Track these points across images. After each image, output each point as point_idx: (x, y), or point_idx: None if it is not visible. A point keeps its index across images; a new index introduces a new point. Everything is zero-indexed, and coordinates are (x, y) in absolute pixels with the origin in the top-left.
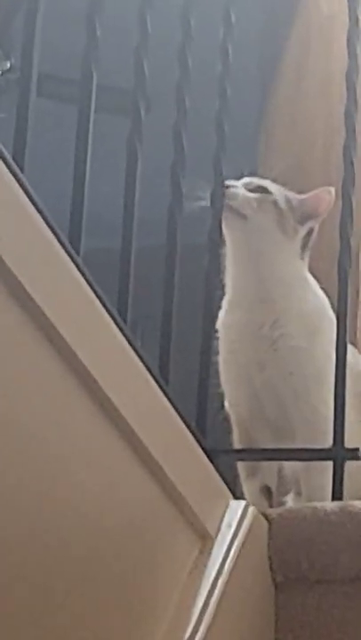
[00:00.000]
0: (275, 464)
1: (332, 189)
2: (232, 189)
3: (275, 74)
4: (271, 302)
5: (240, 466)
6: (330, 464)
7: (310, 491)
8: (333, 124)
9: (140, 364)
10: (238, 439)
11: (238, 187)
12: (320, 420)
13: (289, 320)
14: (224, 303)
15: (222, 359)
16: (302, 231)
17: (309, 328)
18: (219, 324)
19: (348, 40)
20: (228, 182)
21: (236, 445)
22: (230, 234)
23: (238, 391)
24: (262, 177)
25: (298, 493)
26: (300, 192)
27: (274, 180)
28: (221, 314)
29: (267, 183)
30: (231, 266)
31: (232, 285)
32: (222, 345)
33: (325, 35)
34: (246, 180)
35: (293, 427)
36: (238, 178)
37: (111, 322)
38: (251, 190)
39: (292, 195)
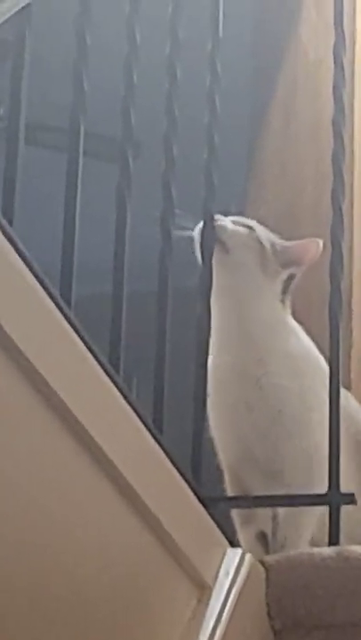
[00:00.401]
0: (269, 510)
1: (321, 241)
2: (220, 222)
3: (263, 120)
4: (253, 342)
5: (234, 513)
6: (310, 511)
7: (283, 537)
8: (324, 169)
9: (134, 415)
10: (229, 485)
11: (226, 221)
12: (309, 460)
13: (272, 359)
14: (210, 346)
15: (210, 402)
16: (283, 274)
17: (294, 369)
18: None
19: (333, 85)
20: (216, 217)
21: (228, 491)
22: (214, 269)
23: (227, 434)
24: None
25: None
26: (290, 239)
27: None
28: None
29: (253, 223)
30: (214, 305)
31: (216, 327)
32: (210, 388)
33: (313, 80)
34: (234, 217)
35: (283, 468)
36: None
37: (106, 377)
38: (235, 223)
39: (278, 240)
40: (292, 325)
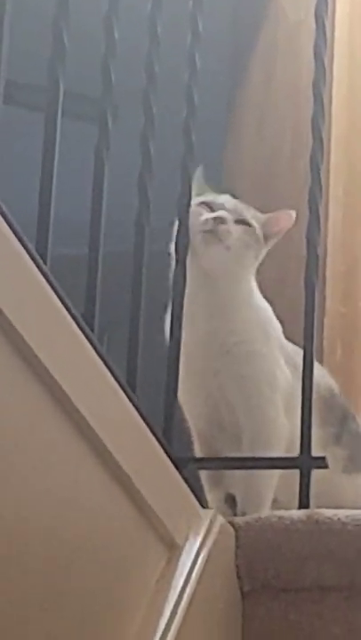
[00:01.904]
0: (238, 473)
1: (293, 213)
2: (224, 226)
3: (242, 80)
4: (229, 313)
5: (204, 476)
6: (270, 474)
7: (245, 500)
8: (301, 129)
9: (108, 373)
10: (199, 449)
11: (229, 220)
12: (267, 422)
13: (246, 328)
14: (185, 315)
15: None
16: (265, 250)
17: (265, 335)
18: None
19: (314, 46)
20: (220, 214)
21: (197, 453)
22: (208, 259)
23: (196, 399)
24: (229, 183)
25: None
26: (267, 197)
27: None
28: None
29: (248, 213)
30: (195, 276)
31: (193, 298)
32: (181, 355)
33: (292, 41)
34: (230, 204)
35: (245, 431)
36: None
37: (79, 331)
38: (236, 222)
39: (258, 215)
40: (256, 290)
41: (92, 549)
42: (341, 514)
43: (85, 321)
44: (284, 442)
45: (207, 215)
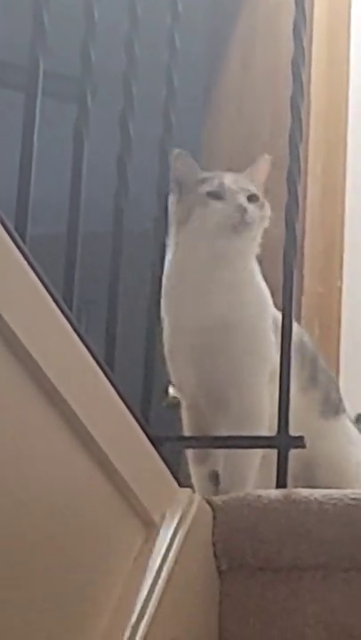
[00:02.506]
0: (221, 451)
1: (268, 157)
2: (248, 216)
3: (221, 61)
4: (235, 289)
5: (189, 452)
6: (253, 452)
7: (229, 479)
8: (280, 110)
9: (86, 351)
10: (188, 424)
11: (248, 207)
12: (255, 401)
13: (248, 306)
14: (181, 292)
15: (172, 346)
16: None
17: (263, 313)
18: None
19: (294, 25)
20: (241, 203)
21: (186, 431)
22: (230, 246)
23: (189, 373)
24: (207, 164)
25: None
26: None
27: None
28: (171, 300)
29: (250, 184)
30: (195, 257)
31: (192, 276)
32: (172, 333)
33: (271, 23)
34: (234, 184)
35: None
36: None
37: (57, 308)
38: (249, 200)
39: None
40: (257, 268)
41: (68, 526)
42: (318, 493)
43: (64, 299)
44: (268, 418)
45: (222, 208)
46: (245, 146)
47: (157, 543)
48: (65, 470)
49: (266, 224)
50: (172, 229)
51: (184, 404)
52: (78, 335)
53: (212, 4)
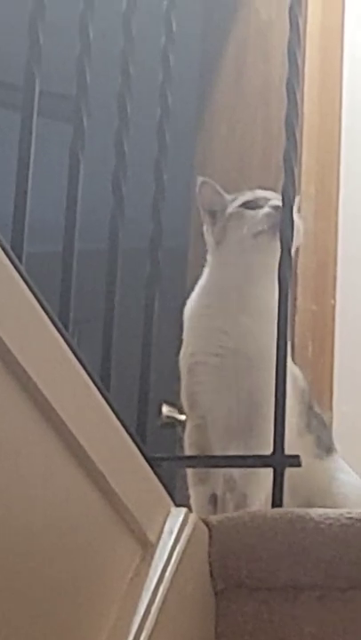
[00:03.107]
0: (222, 471)
1: None
2: (296, 220)
3: (213, 79)
4: (267, 311)
5: (190, 473)
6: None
7: (241, 496)
8: (272, 128)
9: (82, 370)
10: (191, 445)
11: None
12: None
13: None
14: (201, 307)
15: (197, 361)
16: None
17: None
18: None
19: (288, 46)
20: (278, 204)
21: (188, 451)
22: (269, 256)
23: (220, 395)
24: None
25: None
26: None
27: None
28: (202, 318)
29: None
30: (230, 275)
31: (225, 296)
32: (197, 348)
33: (263, 40)
34: (275, 195)
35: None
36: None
37: (53, 328)
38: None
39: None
40: None
41: (64, 546)
42: (314, 512)
43: (60, 318)
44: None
45: (258, 214)
46: (238, 165)
47: (154, 563)
48: (60, 489)
49: (301, 240)
50: (208, 256)
51: (191, 425)
52: (74, 353)
53: (204, 22)
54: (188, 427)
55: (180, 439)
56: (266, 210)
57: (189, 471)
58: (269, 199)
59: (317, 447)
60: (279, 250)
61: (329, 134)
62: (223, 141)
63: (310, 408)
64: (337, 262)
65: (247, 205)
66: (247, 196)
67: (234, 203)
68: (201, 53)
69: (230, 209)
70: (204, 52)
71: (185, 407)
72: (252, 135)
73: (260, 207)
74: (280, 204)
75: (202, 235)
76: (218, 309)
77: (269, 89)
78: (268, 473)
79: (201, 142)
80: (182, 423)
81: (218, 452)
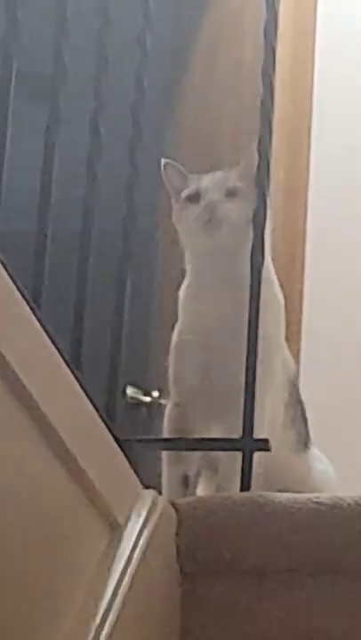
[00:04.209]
0: (198, 453)
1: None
2: (216, 214)
3: (185, 65)
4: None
5: (164, 452)
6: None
7: (221, 479)
8: (242, 115)
9: (55, 350)
10: (170, 424)
11: (218, 202)
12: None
13: (261, 308)
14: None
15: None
16: None
17: (278, 315)
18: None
19: (264, 33)
20: (207, 202)
21: (166, 431)
22: (214, 245)
23: (193, 371)
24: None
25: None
26: None
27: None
28: (187, 298)
29: (235, 179)
30: (201, 256)
31: (202, 275)
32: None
33: (235, 25)
34: (213, 181)
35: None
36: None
37: (26, 305)
38: (226, 195)
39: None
40: (271, 265)
41: (32, 528)
42: (283, 497)
43: (32, 297)
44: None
45: (196, 210)
46: (207, 149)
47: (122, 545)
48: (32, 471)
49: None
50: None
51: (172, 403)
52: (45, 331)
53: (177, 8)
54: (169, 405)
55: (145, 421)
56: (200, 210)
57: (164, 452)
58: (211, 191)
59: (297, 442)
60: (221, 238)
61: (300, 123)
62: (193, 127)
63: (299, 402)
64: (305, 248)
65: (190, 198)
66: (192, 187)
67: (183, 193)
68: (173, 39)
69: (182, 195)
70: (177, 38)
71: (170, 385)
72: (222, 121)
73: (201, 200)
74: (216, 197)
75: (170, 216)
76: (197, 289)
77: (240, 73)
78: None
79: (171, 127)
80: (147, 405)
81: (198, 434)
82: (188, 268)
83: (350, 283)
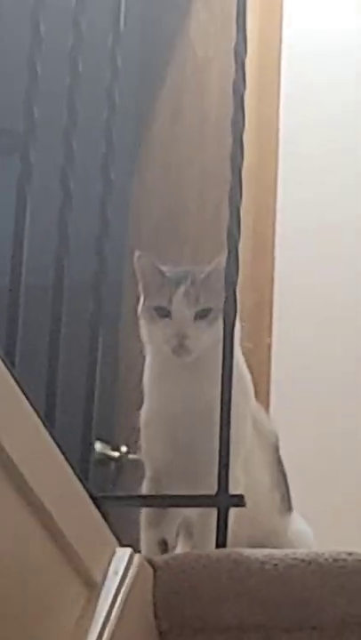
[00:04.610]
0: (176, 516)
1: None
2: (187, 343)
3: (149, 118)
4: (212, 381)
5: (143, 516)
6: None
7: (199, 537)
8: (209, 167)
9: (30, 406)
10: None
11: (190, 331)
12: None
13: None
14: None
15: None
16: None
17: (244, 394)
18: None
19: (234, 86)
20: (180, 332)
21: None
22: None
23: (165, 448)
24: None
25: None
26: (173, 237)
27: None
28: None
29: (207, 296)
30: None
31: (165, 372)
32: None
33: (200, 78)
34: (182, 296)
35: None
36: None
37: (2, 365)
38: (196, 317)
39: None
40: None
41: (9, 588)
42: (259, 553)
43: (6, 354)
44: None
45: (164, 326)
46: (173, 204)
47: (99, 604)
48: (9, 529)
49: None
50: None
51: (148, 475)
52: (21, 389)
53: (141, 57)
54: (145, 481)
55: (113, 477)
56: (171, 333)
57: (142, 515)
58: (183, 311)
59: (281, 504)
60: (191, 358)
61: (266, 171)
62: (158, 181)
63: (280, 463)
64: (273, 300)
65: (160, 311)
66: (164, 297)
67: (153, 298)
68: (137, 89)
69: (148, 304)
70: (141, 88)
71: (143, 459)
72: (188, 175)
73: (171, 318)
74: (186, 322)
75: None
76: (161, 370)
77: (205, 127)
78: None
79: (137, 181)
80: (115, 460)
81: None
82: (149, 349)
83: (320, 331)
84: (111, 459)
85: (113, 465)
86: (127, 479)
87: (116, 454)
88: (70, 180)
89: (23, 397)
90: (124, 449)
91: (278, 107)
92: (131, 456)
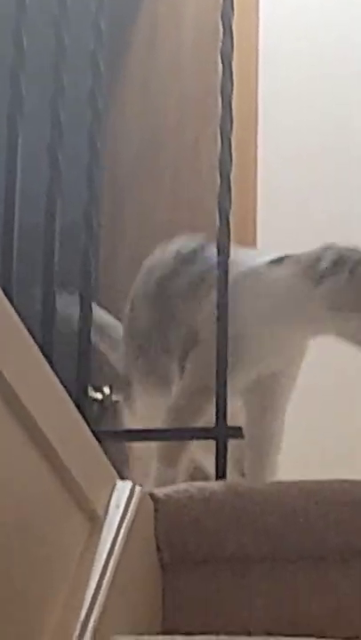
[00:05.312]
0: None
1: None
2: None
3: (125, 50)
4: None
5: (159, 453)
6: None
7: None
8: (186, 101)
9: (32, 341)
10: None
11: None
12: None
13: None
14: None
15: None
16: None
17: None
18: None
19: (222, 15)
20: None
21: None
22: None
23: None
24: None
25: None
26: (151, 167)
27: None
28: None
29: None
30: None
31: None
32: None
33: (174, 10)
34: None
35: None
36: None
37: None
38: None
39: None
40: None
41: (15, 522)
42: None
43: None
44: None
45: None
46: (151, 139)
47: (102, 537)
48: (15, 465)
49: None
50: None
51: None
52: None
53: None
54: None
55: (98, 417)
56: None
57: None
58: None
59: None
60: None
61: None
62: (136, 115)
63: None
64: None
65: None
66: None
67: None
68: (112, 23)
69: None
70: (116, 22)
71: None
72: (166, 108)
73: None
74: None
75: None
76: None
77: (180, 57)
78: None
79: (114, 116)
80: (99, 402)
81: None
82: None
83: None
84: (95, 400)
85: (96, 407)
86: (110, 422)
87: (100, 396)
88: (60, 113)
89: (26, 332)
90: (107, 390)
91: (258, 31)
92: (115, 397)
